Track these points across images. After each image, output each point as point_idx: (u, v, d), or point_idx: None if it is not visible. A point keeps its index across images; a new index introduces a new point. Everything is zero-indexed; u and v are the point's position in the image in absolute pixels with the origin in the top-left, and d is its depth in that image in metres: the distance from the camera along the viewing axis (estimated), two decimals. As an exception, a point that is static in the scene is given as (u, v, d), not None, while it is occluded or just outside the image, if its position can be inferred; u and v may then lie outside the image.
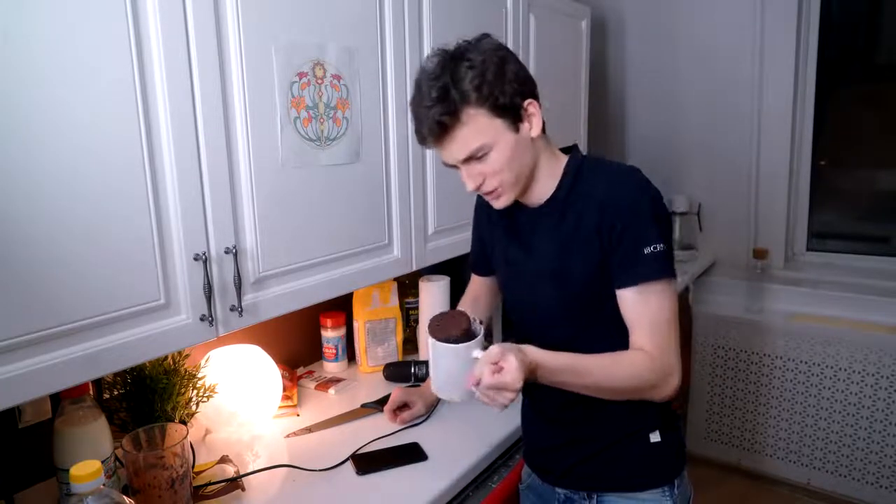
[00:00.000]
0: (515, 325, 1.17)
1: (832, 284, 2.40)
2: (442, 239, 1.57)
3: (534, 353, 0.90)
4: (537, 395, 1.14)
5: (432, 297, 1.69)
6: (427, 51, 1.43)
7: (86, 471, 0.74)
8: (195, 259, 0.98)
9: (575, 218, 0.99)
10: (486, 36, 0.97)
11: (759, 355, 2.44)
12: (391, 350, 1.70)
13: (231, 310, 1.05)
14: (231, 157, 1.04)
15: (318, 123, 1.19)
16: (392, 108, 1.35)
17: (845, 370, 2.26)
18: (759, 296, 2.51)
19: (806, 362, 2.34)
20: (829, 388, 2.31)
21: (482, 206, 1.20)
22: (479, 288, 1.34)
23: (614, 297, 0.97)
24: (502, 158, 0.95)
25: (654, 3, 2.61)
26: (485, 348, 0.92)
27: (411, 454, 1.22)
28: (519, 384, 0.85)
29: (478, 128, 0.92)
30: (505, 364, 0.85)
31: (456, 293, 1.72)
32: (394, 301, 1.70)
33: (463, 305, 1.40)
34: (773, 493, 2.44)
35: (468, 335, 0.96)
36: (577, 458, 1.07)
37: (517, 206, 1.06)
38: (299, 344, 1.70)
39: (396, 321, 1.70)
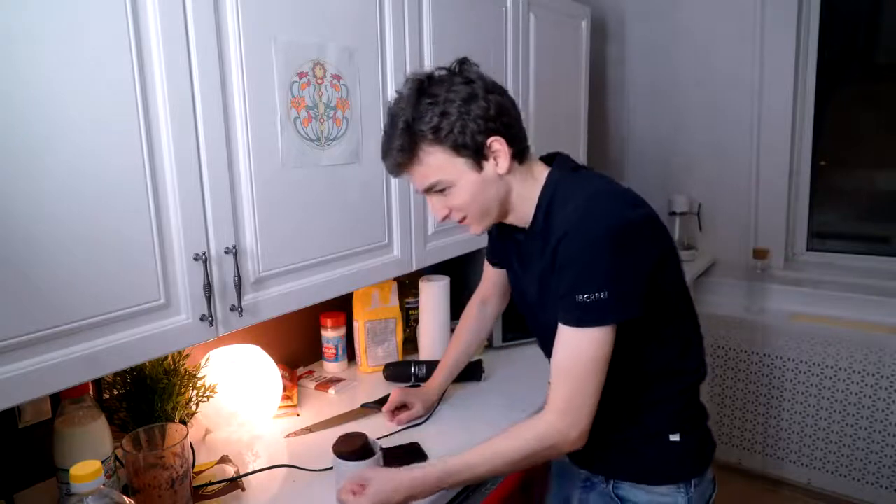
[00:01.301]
0: (527, 321, 1.17)
1: (832, 284, 2.40)
2: (442, 239, 1.57)
3: (415, 473, 0.92)
4: None
5: (432, 297, 1.69)
6: (427, 51, 1.43)
7: (86, 471, 0.75)
8: (195, 259, 0.98)
9: (549, 254, 0.95)
10: (464, 62, 0.96)
11: (759, 355, 2.44)
12: (391, 350, 1.70)
13: (231, 310, 1.05)
14: (231, 157, 1.04)
15: (318, 123, 1.19)
16: (392, 108, 1.35)
17: (845, 370, 2.26)
18: (759, 296, 2.51)
19: (806, 362, 2.34)
20: (829, 388, 2.31)
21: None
22: (490, 287, 1.38)
23: None
24: (465, 196, 0.96)
25: (654, 3, 2.61)
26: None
27: (411, 454, 1.22)
28: None
29: (435, 165, 0.93)
30: (367, 488, 0.91)
31: (456, 293, 1.73)
32: (394, 301, 1.70)
33: (471, 308, 1.43)
34: (773, 493, 2.44)
35: (363, 453, 1.03)
36: (596, 447, 1.05)
37: (513, 227, 1.07)
38: (299, 344, 1.70)
39: (396, 321, 1.70)
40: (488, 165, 0.95)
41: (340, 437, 1.07)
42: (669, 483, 1.03)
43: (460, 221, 1.01)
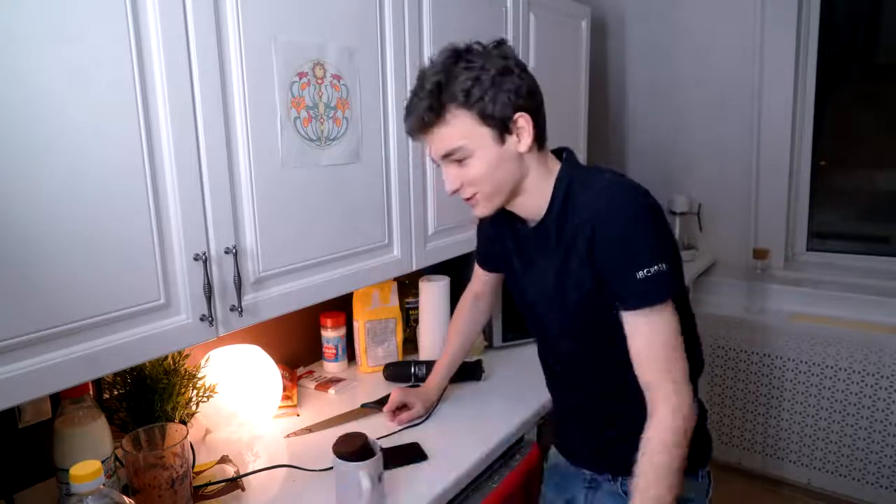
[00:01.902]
0: (527, 321, 1.17)
1: (832, 284, 2.40)
2: (442, 239, 1.57)
3: None
4: (560, 397, 1.17)
5: (432, 297, 1.69)
6: (427, 51, 1.43)
7: (86, 471, 0.75)
8: (195, 259, 0.98)
9: (566, 244, 0.96)
10: (501, 42, 0.96)
11: (759, 355, 2.44)
12: (391, 350, 1.70)
13: (231, 310, 1.05)
14: (231, 157, 1.04)
15: (318, 123, 1.19)
16: (392, 108, 1.35)
17: (845, 370, 2.26)
18: (759, 296, 2.51)
19: (806, 362, 2.34)
20: (829, 388, 2.31)
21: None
22: (481, 286, 1.37)
23: (614, 314, 0.95)
24: (482, 168, 0.94)
25: (654, 3, 2.61)
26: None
27: (412, 454, 1.22)
28: None
29: (460, 130, 0.92)
30: None
31: (456, 293, 1.72)
32: (394, 301, 1.70)
33: (464, 303, 1.42)
34: (773, 493, 2.44)
35: (363, 453, 1.02)
36: (603, 445, 1.07)
37: (519, 220, 1.06)
38: (299, 344, 1.70)
39: (396, 321, 1.70)
40: (510, 141, 0.94)
41: (340, 438, 1.06)
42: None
43: (469, 199, 0.98)
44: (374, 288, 1.65)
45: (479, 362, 1.60)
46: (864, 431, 2.25)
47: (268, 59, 1.08)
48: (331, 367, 1.68)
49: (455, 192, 0.98)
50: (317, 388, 1.58)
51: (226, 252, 1.03)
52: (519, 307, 1.16)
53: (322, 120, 1.19)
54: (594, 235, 0.90)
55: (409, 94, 0.97)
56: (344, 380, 1.61)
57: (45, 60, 0.78)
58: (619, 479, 1.06)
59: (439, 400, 1.44)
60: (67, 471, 0.79)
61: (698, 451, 1.05)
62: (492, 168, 0.94)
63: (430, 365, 1.52)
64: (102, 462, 0.80)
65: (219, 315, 1.03)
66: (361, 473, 0.99)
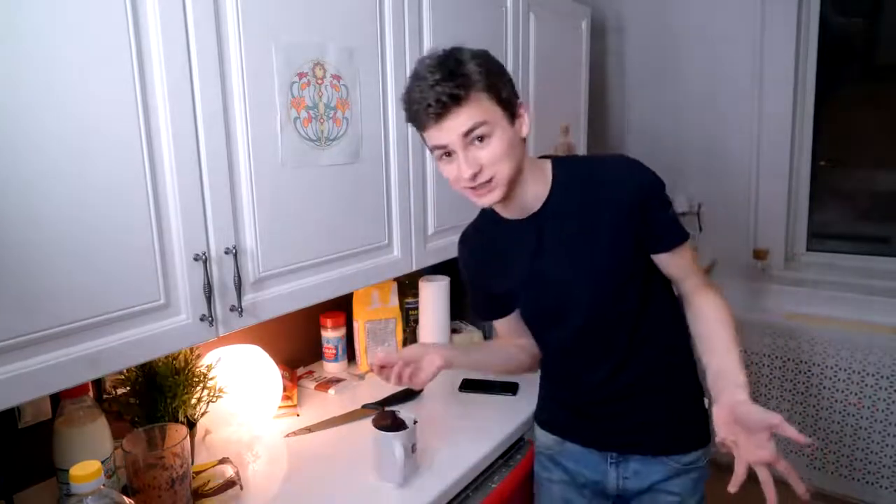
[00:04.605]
0: (534, 320, 1.16)
1: (832, 284, 2.40)
2: (442, 239, 1.57)
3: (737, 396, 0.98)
4: (598, 390, 1.13)
5: (432, 297, 1.69)
6: (427, 51, 1.43)
7: (86, 471, 0.75)
8: (195, 259, 0.98)
9: (584, 215, 1.03)
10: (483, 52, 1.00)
11: (759, 355, 2.44)
12: (391, 350, 1.70)
13: (231, 310, 1.05)
14: (231, 157, 1.04)
15: (318, 123, 1.19)
16: (392, 108, 1.35)
17: (845, 370, 2.26)
18: (759, 296, 2.51)
19: (806, 362, 2.34)
20: (829, 388, 2.31)
21: (471, 252, 1.19)
22: (506, 332, 1.25)
23: (641, 272, 1.06)
24: (502, 146, 0.95)
25: (654, 3, 2.61)
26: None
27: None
28: None
29: (483, 107, 0.93)
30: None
31: (456, 293, 1.73)
32: (394, 301, 1.70)
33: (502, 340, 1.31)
34: (773, 493, 2.43)
35: (398, 426, 1.15)
36: (639, 426, 1.13)
37: (504, 227, 1.08)
38: (299, 344, 1.70)
39: (396, 321, 1.70)
40: (518, 124, 0.99)
41: (378, 413, 1.18)
42: (699, 448, 1.14)
43: (485, 184, 0.96)
44: (374, 288, 1.65)
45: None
46: (864, 431, 2.25)
47: (268, 60, 1.08)
48: (331, 368, 1.68)
49: (474, 176, 0.95)
50: (317, 388, 1.58)
51: (226, 252, 1.03)
52: (533, 308, 1.14)
53: (322, 120, 1.19)
54: (630, 196, 1.01)
55: (411, 87, 0.94)
56: (344, 380, 1.61)
57: (44, 61, 0.78)
58: (647, 456, 1.12)
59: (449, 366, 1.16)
60: (67, 471, 0.79)
61: (696, 377, 1.17)
62: (509, 147, 0.96)
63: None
64: (102, 462, 0.80)
65: (219, 315, 1.03)
66: (395, 443, 1.11)
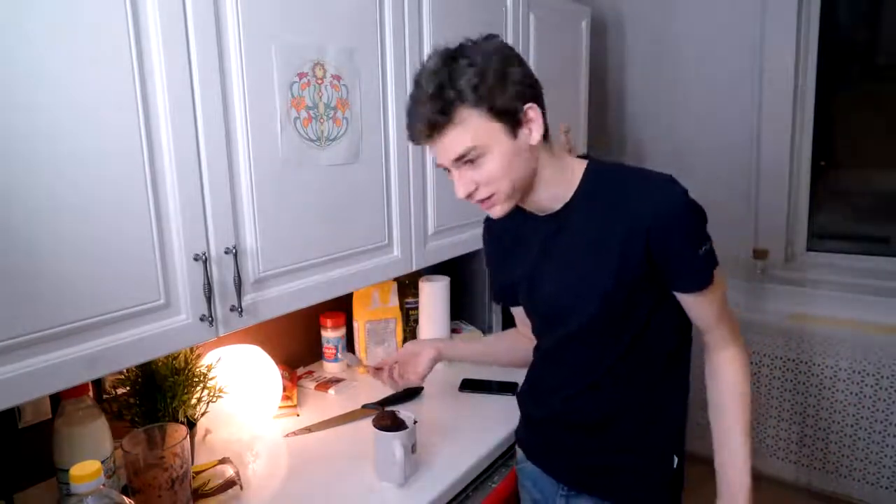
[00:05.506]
0: (536, 322, 1.13)
1: (832, 284, 2.40)
2: (442, 239, 1.57)
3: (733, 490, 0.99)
4: (565, 407, 1.09)
5: (432, 297, 1.69)
6: (427, 51, 1.43)
7: (86, 471, 0.75)
8: (195, 259, 0.98)
9: (601, 227, 0.95)
10: (492, 36, 0.93)
11: (758, 355, 2.44)
12: (391, 350, 1.70)
13: (231, 310, 1.05)
14: (231, 157, 1.04)
15: (318, 123, 1.19)
16: (392, 109, 1.35)
17: (845, 370, 2.26)
18: (759, 296, 2.50)
19: (806, 362, 2.34)
20: (829, 389, 2.31)
21: (490, 234, 1.18)
22: (520, 320, 1.25)
23: (644, 304, 0.98)
24: (498, 165, 0.89)
25: (654, 2, 2.61)
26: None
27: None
28: None
29: (471, 129, 0.87)
30: None
31: (456, 293, 1.73)
32: (394, 301, 1.70)
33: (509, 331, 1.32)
34: (773, 493, 2.43)
35: (398, 426, 1.16)
36: (605, 471, 1.06)
37: (527, 217, 1.03)
38: (299, 344, 1.70)
39: (396, 321, 1.70)
40: (522, 134, 0.91)
41: (378, 414, 1.19)
42: None
43: (485, 200, 0.94)
44: (374, 288, 1.65)
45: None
46: (864, 431, 2.25)
47: (268, 60, 1.08)
48: (331, 368, 1.68)
49: (469, 195, 0.93)
50: (317, 388, 1.58)
51: (226, 252, 1.03)
52: (529, 306, 1.12)
53: (322, 120, 1.19)
54: (653, 221, 0.92)
55: (408, 101, 0.92)
56: (344, 380, 1.61)
57: (44, 61, 0.78)
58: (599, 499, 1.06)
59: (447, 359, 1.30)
60: (67, 471, 0.79)
61: (675, 433, 1.09)
62: (508, 163, 0.90)
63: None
64: (102, 462, 0.80)
65: (219, 315, 1.03)
66: (395, 443, 1.11)
